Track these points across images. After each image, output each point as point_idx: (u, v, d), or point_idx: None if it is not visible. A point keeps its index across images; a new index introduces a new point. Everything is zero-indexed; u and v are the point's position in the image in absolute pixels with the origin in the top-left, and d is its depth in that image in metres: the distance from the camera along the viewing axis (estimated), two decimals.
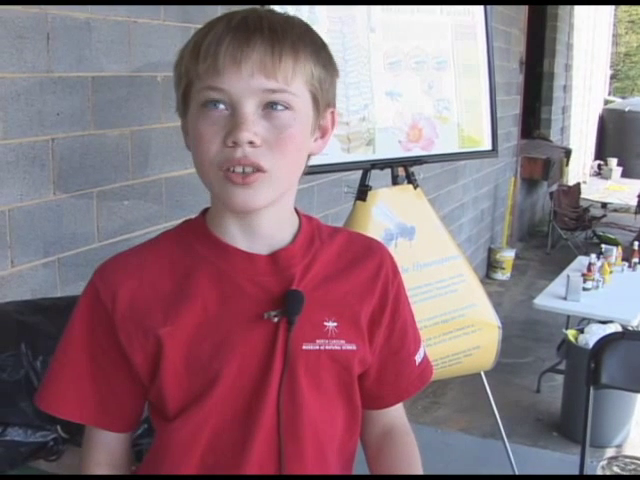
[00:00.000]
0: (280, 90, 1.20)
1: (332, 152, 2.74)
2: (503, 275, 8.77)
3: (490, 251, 8.82)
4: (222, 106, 1.20)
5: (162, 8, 3.01)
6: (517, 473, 3.59)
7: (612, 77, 22.13)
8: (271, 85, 1.19)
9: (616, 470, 1.38)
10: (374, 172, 3.01)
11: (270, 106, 1.20)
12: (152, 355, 1.27)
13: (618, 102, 19.05)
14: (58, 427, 2.03)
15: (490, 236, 8.92)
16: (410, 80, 3.02)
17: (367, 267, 1.39)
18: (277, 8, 2.61)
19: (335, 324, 1.32)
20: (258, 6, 1.30)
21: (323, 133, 1.33)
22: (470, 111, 3.24)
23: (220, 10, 2.69)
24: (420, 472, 1.45)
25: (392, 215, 2.92)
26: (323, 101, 1.28)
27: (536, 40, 10.75)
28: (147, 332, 1.27)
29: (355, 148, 2.83)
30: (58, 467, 2.04)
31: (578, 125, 14.92)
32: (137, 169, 2.97)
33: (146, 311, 1.28)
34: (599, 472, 1.39)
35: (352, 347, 1.33)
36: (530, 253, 10.21)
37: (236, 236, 1.30)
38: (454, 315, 3.03)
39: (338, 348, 1.32)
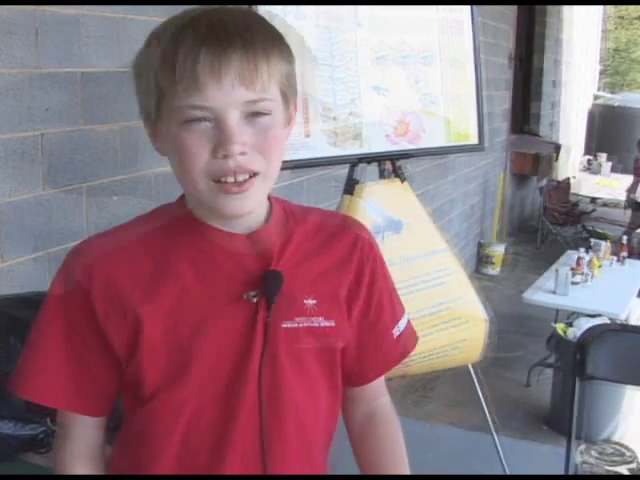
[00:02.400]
0: (260, 99, 1.22)
1: (319, 146, 2.76)
2: (493, 270, 8.78)
3: (480, 246, 8.83)
4: (205, 120, 1.21)
5: (151, 5, 3.02)
6: (506, 466, 3.61)
7: (601, 72, 22.15)
8: (251, 96, 1.21)
9: (594, 454, 1.41)
10: (361, 166, 3.03)
11: (252, 115, 1.22)
12: (131, 334, 1.28)
13: (607, 97, 19.08)
14: (48, 420, 2.04)
15: (480, 231, 8.93)
16: (397, 75, 3.03)
17: (343, 243, 1.41)
18: (264, 8, 2.64)
19: (314, 301, 1.34)
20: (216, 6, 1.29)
21: (289, 120, 1.35)
22: (457, 105, 3.26)
23: None
24: (404, 457, 1.47)
25: (379, 209, 2.93)
26: (290, 94, 1.31)
27: (525, 35, 10.78)
28: (126, 311, 1.27)
29: (342, 142, 2.85)
30: (48, 460, 2.04)
31: (567, 120, 14.95)
32: (126, 164, 2.98)
33: (124, 290, 1.28)
34: (578, 457, 1.42)
35: (331, 323, 1.35)
36: (520, 248, 10.22)
37: (215, 220, 1.31)
38: (441, 308, 3.04)
39: (317, 325, 1.33)
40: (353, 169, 2.97)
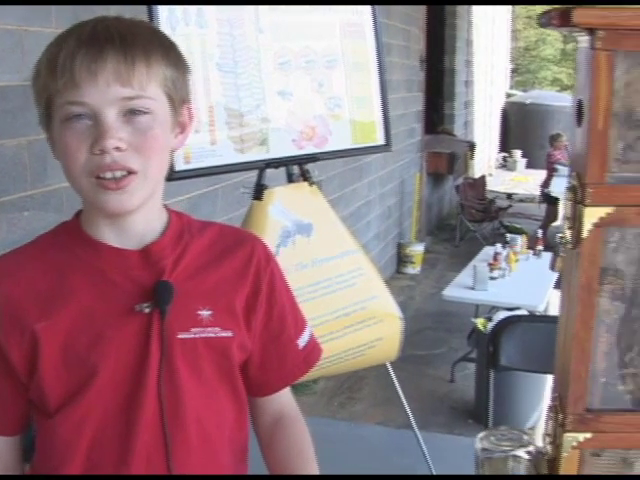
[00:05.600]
0: (137, 97, 1.25)
1: (226, 153, 2.75)
2: (413, 269, 8.88)
3: (399, 246, 8.92)
4: (84, 117, 1.24)
5: (53, 16, 2.99)
6: (430, 461, 3.65)
7: (513, 71, 22.58)
8: (128, 93, 1.24)
9: (492, 440, 1.45)
10: (272, 172, 3.04)
11: (130, 112, 1.25)
12: (28, 351, 1.30)
13: (520, 95, 19.47)
14: None
15: (399, 232, 9.02)
16: (301, 79, 3.03)
17: (238, 256, 1.44)
18: (165, 9, 2.63)
19: (210, 312, 1.36)
20: (113, 15, 1.34)
21: (182, 128, 1.39)
22: (362, 107, 3.28)
23: (113, 11, 2.69)
24: (311, 458, 1.50)
25: (289, 213, 2.94)
26: (178, 99, 1.34)
27: (436, 37, 10.93)
28: (23, 328, 1.29)
29: (249, 148, 2.85)
30: None
31: (481, 119, 15.20)
32: (36, 179, 2.95)
33: (21, 308, 1.30)
34: (477, 444, 1.46)
35: (228, 334, 1.38)
36: (439, 246, 10.36)
37: (108, 235, 1.35)
38: (355, 308, 3.05)
39: (213, 335, 1.36)
40: (261, 175, 2.98)
